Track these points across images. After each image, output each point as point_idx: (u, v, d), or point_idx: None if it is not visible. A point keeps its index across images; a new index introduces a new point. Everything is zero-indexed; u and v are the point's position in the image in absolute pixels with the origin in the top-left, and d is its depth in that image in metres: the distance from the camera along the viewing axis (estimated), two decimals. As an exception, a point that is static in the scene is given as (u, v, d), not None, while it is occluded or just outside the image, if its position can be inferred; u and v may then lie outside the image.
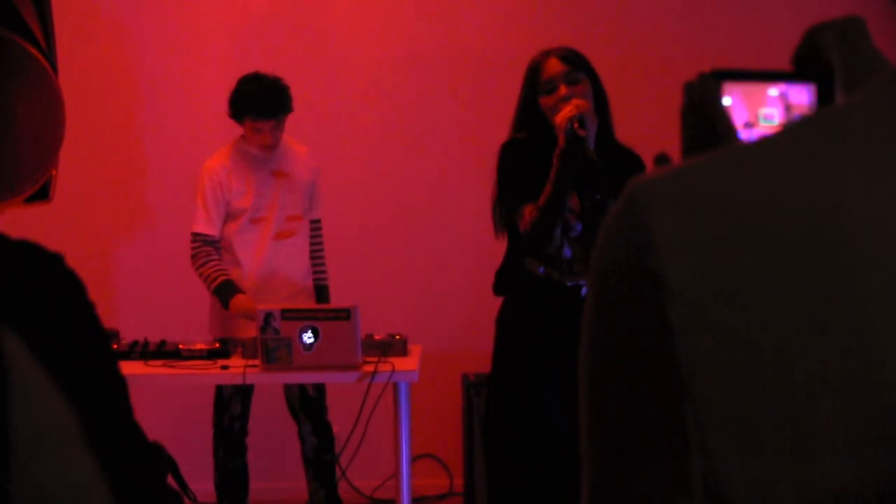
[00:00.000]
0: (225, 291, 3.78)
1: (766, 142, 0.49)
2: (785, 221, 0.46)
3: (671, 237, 0.47)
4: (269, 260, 3.92)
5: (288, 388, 4.05)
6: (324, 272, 4.10)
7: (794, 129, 0.49)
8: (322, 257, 4.10)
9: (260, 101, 3.76)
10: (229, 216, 3.91)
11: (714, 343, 0.45)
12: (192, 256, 3.89)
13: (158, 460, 0.83)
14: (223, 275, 3.82)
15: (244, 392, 3.93)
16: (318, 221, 4.09)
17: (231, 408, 3.97)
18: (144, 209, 4.77)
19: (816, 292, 0.44)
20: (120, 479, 0.73)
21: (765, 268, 0.45)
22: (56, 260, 0.79)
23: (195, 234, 3.88)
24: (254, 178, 3.89)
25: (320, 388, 4.04)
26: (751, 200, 0.47)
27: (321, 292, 4.07)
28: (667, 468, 0.46)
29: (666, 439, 0.46)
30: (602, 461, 0.49)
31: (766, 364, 0.45)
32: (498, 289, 3.21)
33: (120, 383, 0.79)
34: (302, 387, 3.99)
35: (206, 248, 3.87)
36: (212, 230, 3.88)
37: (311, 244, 4.07)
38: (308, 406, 4.03)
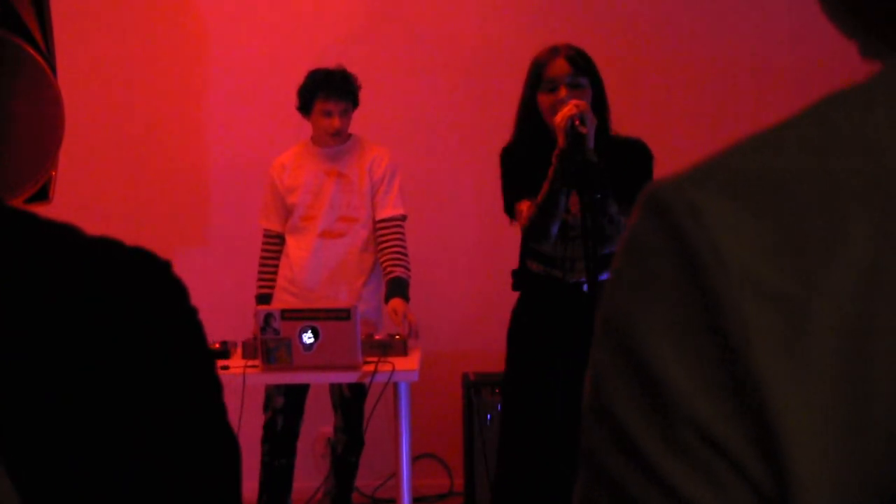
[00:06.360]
0: (259, 303, 3.93)
1: (798, 118, 0.47)
2: (834, 186, 0.44)
3: (717, 213, 0.45)
4: (314, 258, 3.94)
5: (332, 384, 4.05)
6: (395, 266, 3.89)
7: (828, 103, 0.47)
8: (391, 252, 3.91)
9: (331, 81, 3.84)
10: (287, 212, 4.00)
11: (771, 309, 0.43)
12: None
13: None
14: (265, 287, 4.03)
15: (287, 386, 3.91)
16: (388, 220, 3.93)
17: (273, 400, 3.96)
18: (144, 209, 4.77)
19: (872, 253, 0.43)
20: (211, 475, 0.78)
21: (815, 232, 0.44)
22: (169, 267, 0.83)
23: (264, 228, 4.09)
24: (307, 176, 3.94)
25: (356, 391, 3.98)
26: (794, 171, 0.45)
27: (391, 285, 3.88)
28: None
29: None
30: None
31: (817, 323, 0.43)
32: (513, 285, 3.26)
33: (219, 385, 0.83)
34: (340, 385, 3.99)
35: (268, 247, 4.05)
36: (269, 224, 4.05)
37: (379, 242, 3.94)
38: (343, 405, 4.03)
